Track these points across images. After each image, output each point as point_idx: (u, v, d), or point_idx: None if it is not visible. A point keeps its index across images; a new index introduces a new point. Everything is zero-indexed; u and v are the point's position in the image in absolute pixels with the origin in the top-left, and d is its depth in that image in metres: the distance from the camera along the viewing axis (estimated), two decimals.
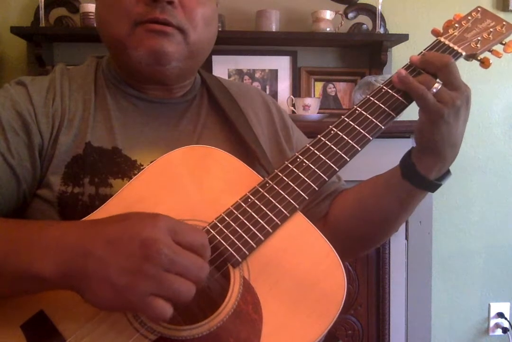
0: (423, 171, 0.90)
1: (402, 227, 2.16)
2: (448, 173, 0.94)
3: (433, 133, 0.87)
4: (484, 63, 0.94)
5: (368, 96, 0.90)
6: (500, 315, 2.60)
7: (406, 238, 2.20)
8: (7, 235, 0.73)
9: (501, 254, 2.61)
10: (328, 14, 2.30)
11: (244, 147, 1.03)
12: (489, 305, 2.61)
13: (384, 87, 0.90)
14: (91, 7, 2.21)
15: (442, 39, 0.94)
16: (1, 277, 0.70)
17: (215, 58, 2.34)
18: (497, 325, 2.61)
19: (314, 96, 2.46)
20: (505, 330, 2.59)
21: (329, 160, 0.86)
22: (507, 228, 2.61)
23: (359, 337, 2.22)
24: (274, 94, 2.43)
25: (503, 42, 0.96)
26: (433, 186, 0.92)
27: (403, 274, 2.21)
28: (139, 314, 0.74)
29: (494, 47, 0.96)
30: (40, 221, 0.87)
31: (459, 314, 2.60)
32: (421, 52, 0.92)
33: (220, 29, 2.05)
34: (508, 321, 2.59)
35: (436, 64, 0.86)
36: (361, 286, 2.21)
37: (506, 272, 2.62)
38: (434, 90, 0.84)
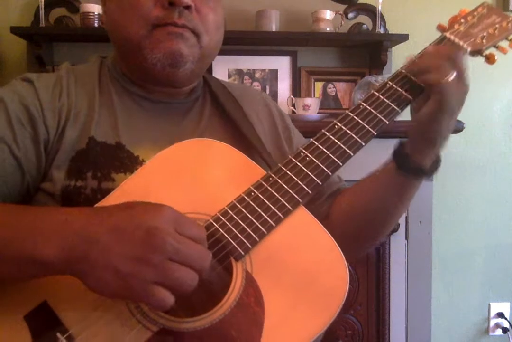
0: (418, 161, 0.92)
1: (402, 227, 2.16)
2: (439, 159, 0.95)
3: (439, 123, 0.88)
4: (489, 59, 0.94)
5: (373, 91, 0.90)
6: (500, 315, 2.59)
7: (406, 238, 2.20)
8: (11, 220, 0.74)
9: (501, 254, 2.61)
10: (328, 14, 2.30)
11: (247, 147, 1.03)
12: (489, 305, 2.61)
13: (389, 82, 0.90)
14: (91, 7, 2.21)
15: (447, 34, 0.93)
16: (5, 261, 0.71)
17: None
18: (497, 325, 2.61)
19: (314, 96, 2.46)
20: (505, 330, 2.59)
21: (333, 155, 0.85)
22: (507, 228, 2.61)
23: (359, 337, 2.22)
24: (274, 94, 2.43)
25: (509, 38, 0.95)
26: (429, 174, 0.94)
27: (403, 274, 2.21)
28: (140, 303, 0.74)
29: (500, 43, 0.95)
30: (45, 206, 0.89)
31: (459, 314, 2.59)
32: (426, 48, 0.92)
33: None
34: (508, 321, 2.59)
35: (444, 55, 0.87)
36: (361, 286, 2.20)
37: (506, 272, 2.61)
38: (449, 79, 0.84)
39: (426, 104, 0.87)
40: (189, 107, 1.08)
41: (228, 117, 1.07)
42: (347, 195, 1.08)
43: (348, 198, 1.07)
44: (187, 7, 0.95)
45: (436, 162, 0.94)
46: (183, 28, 0.95)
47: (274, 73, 2.45)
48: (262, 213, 0.81)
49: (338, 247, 0.80)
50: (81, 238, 0.69)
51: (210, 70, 2.31)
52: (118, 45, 1.03)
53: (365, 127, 0.87)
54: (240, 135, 1.05)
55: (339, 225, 1.03)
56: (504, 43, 0.96)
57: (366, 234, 1.06)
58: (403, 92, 0.89)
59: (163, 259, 0.67)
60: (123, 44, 1.00)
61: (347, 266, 0.79)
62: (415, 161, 0.92)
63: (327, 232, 0.81)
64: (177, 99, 1.07)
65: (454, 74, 0.84)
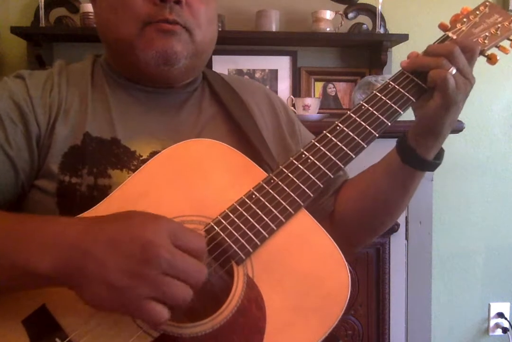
0: (423, 154, 0.92)
1: (402, 227, 2.16)
2: (442, 150, 0.96)
3: (444, 118, 0.88)
4: (491, 60, 0.93)
5: (374, 91, 0.89)
6: (500, 315, 2.60)
7: (406, 238, 2.19)
8: (5, 230, 0.72)
9: (501, 254, 2.61)
10: (328, 14, 2.30)
11: (246, 142, 1.02)
12: (489, 305, 2.61)
13: (391, 82, 0.89)
14: (91, 7, 2.18)
15: (450, 34, 0.92)
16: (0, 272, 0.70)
17: (215, 58, 2.34)
18: (497, 325, 2.61)
19: (314, 96, 2.46)
20: (505, 330, 2.59)
21: (335, 157, 0.85)
22: (507, 228, 2.61)
23: (359, 337, 2.22)
24: None
25: (510, 38, 0.95)
26: (434, 166, 0.95)
27: (403, 274, 2.21)
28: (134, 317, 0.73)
29: (501, 43, 0.95)
30: (40, 215, 0.85)
31: (459, 314, 2.60)
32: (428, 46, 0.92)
33: (220, 29, 2.04)
34: (508, 321, 2.59)
35: (442, 52, 0.86)
36: (361, 286, 2.19)
37: (506, 272, 2.62)
38: (452, 73, 0.85)
39: (432, 99, 0.87)
40: (187, 97, 1.07)
41: (227, 111, 1.06)
42: (352, 188, 1.07)
43: (352, 191, 1.06)
44: (178, 2, 0.94)
45: (439, 155, 0.95)
46: (175, 24, 0.94)
47: (274, 73, 2.44)
48: (264, 216, 0.80)
49: (340, 251, 0.79)
50: (76, 250, 0.67)
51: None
52: (110, 45, 1.02)
53: (367, 129, 0.86)
54: (240, 131, 1.04)
55: (348, 217, 1.04)
56: (505, 43, 0.95)
57: (375, 224, 1.06)
58: (405, 93, 0.88)
59: (157, 273, 0.66)
60: (115, 43, 0.99)
61: (348, 270, 0.78)
62: (419, 155, 0.92)
63: (328, 235, 0.81)
64: (173, 90, 1.05)
65: (454, 70, 0.85)
